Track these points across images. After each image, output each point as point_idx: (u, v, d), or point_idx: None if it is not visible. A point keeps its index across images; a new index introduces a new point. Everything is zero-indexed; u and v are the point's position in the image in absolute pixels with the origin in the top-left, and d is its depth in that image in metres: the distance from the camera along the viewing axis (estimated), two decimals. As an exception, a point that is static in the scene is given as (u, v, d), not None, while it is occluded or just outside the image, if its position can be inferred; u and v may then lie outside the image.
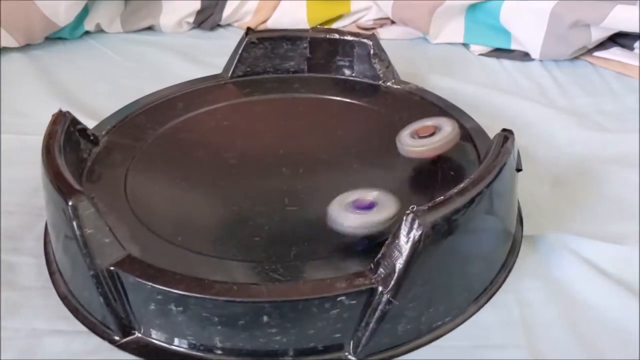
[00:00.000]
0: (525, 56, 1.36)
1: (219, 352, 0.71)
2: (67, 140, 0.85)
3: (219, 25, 1.53)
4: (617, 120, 1.14)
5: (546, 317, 0.77)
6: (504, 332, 0.76)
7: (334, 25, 1.48)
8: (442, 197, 0.70)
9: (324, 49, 1.12)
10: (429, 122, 0.90)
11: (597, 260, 0.83)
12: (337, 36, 1.11)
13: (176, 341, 0.72)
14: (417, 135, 0.88)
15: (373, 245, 0.75)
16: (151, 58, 1.39)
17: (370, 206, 0.77)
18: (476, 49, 1.40)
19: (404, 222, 0.68)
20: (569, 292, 0.80)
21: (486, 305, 0.79)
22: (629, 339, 0.74)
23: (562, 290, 0.81)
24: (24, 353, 0.74)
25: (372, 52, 1.09)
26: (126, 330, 0.74)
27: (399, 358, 0.73)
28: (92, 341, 0.75)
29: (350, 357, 0.72)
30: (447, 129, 0.88)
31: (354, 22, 1.49)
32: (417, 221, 0.67)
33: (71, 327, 0.77)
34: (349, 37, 1.11)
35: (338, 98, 1.06)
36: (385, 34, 1.47)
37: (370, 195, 0.78)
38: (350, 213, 0.76)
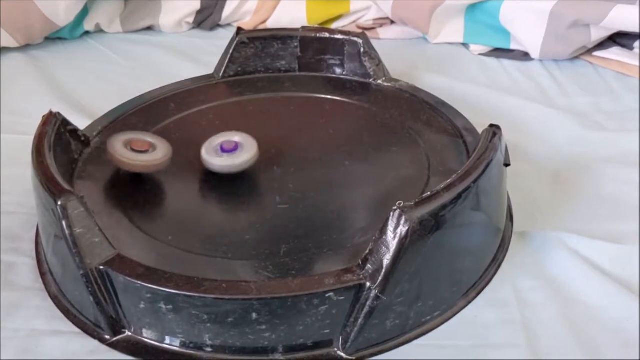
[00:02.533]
0: (524, 56, 1.36)
1: (209, 349, 0.71)
2: (57, 141, 0.86)
3: (218, 25, 1.53)
4: (616, 119, 1.14)
5: (546, 317, 0.77)
6: (503, 331, 0.76)
7: (334, 25, 1.48)
8: (428, 193, 0.71)
9: (314, 47, 1.12)
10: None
11: (597, 260, 0.83)
12: (327, 35, 1.11)
13: (166, 339, 0.73)
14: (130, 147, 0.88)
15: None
16: (151, 58, 1.39)
17: (235, 148, 0.89)
18: (476, 48, 1.40)
19: (391, 218, 0.68)
20: (568, 291, 0.80)
21: (486, 305, 0.79)
22: (628, 338, 0.74)
23: (562, 289, 0.80)
24: (24, 353, 0.74)
25: (362, 50, 1.09)
26: (116, 329, 0.74)
27: (394, 353, 0.73)
28: (91, 342, 0.75)
29: (339, 352, 0.72)
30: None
31: (353, 22, 1.49)
32: (404, 217, 0.67)
33: (70, 327, 0.77)
34: (339, 36, 1.11)
35: (329, 96, 1.07)
36: (384, 34, 1.47)
37: (235, 137, 0.91)
38: (218, 156, 0.89)
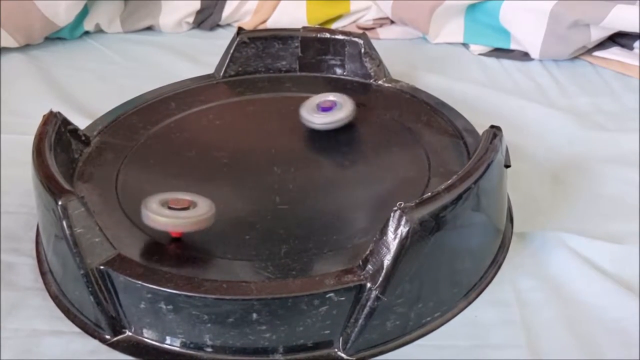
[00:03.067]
0: (524, 56, 1.36)
1: (209, 349, 0.71)
2: (57, 141, 0.86)
3: (218, 25, 1.53)
4: (616, 119, 1.14)
5: (546, 317, 0.77)
6: (504, 331, 0.76)
7: (334, 25, 1.48)
8: (429, 194, 0.71)
9: (315, 48, 1.12)
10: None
11: (597, 260, 0.83)
12: (328, 35, 1.11)
13: (167, 339, 0.72)
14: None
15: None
16: (151, 58, 1.39)
17: (332, 106, 0.97)
18: (476, 48, 1.40)
19: (391, 219, 0.68)
20: (568, 291, 0.80)
21: (486, 305, 0.79)
22: (628, 338, 0.74)
23: (562, 289, 0.81)
24: (24, 353, 0.74)
25: (363, 50, 1.09)
26: (117, 329, 0.74)
27: (395, 354, 0.73)
28: (92, 342, 0.75)
29: (339, 353, 0.72)
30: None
31: (353, 22, 1.49)
32: (404, 218, 0.67)
33: (70, 327, 0.77)
34: (339, 36, 1.11)
35: (330, 97, 1.06)
36: (384, 34, 1.47)
37: (331, 97, 0.98)
38: (318, 114, 0.97)
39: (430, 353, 0.73)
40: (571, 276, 0.82)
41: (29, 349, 0.74)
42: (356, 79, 1.11)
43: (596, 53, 1.33)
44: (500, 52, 1.39)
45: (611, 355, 0.73)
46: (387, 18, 1.47)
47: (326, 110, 0.97)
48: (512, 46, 1.37)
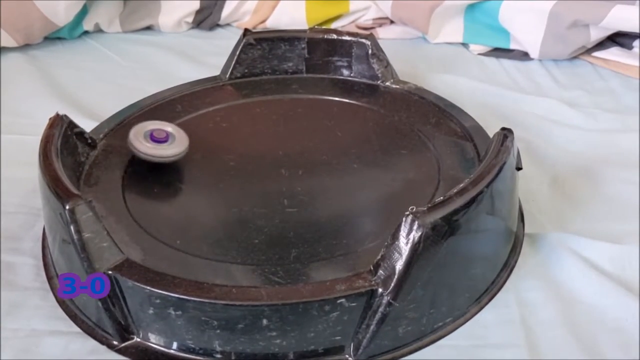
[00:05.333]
0: (524, 56, 1.36)
1: (219, 356, 0.71)
2: (64, 144, 0.85)
3: (217, 25, 1.53)
4: (616, 119, 1.14)
5: (546, 317, 0.77)
6: (504, 331, 0.76)
7: (333, 25, 1.48)
8: (441, 198, 0.70)
9: (322, 49, 1.11)
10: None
11: (596, 260, 0.83)
12: (335, 36, 1.11)
13: (175, 345, 0.72)
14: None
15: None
16: (150, 58, 1.39)
17: (165, 139, 0.90)
18: (475, 48, 1.40)
19: (403, 223, 0.68)
20: (568, 291, 0.80)
21: (486, 305, 0.78)
22: (628, 338, 0.74)
23: (562, 289, 0.80)
24: (23, 353, 0.73)
25: (370, 52, 1.09)
26: (125, 334, 0.73)
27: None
28: (91, 342, 0.75)
29: (350, 359, 0.71)
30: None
31: (353, 21, 1.49)
32: (416, 222, 0.67)
33: (70, 328, 0.77)
34: (347, 38, 1.10)
35: (337, 98, 1.06)
36: (384, 34, 1.47)
37: (167, 128, 0.92)
38: (147, 142, 0.89)
39: (430, 353, 0.73)
40: (571, 276, 0.82)
41: (29, 349, 0.74)
42: (363, 80, 1.10)
43: (596, 53, 1.34)
44: (499, 52, 1.39)
45: (611, 356, 0.73)
46: (387, 18, 1.48)
47: (158, 142, 0.91)
48: (512, 46, 1.37)
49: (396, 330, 0.71)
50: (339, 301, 0.68)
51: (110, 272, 0.70)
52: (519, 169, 0.82)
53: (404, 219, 0.68)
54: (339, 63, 1.11)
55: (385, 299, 0.68)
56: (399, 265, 0.68)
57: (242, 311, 0.68)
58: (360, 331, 0.70)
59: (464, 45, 1.43)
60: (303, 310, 0.68)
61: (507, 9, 1.33)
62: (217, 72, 1.14)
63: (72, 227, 0.71)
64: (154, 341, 0.73)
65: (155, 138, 0.89)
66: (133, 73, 1.33)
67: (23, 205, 0.94)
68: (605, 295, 0.79)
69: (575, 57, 1.35)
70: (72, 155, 0.88)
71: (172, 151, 0.89)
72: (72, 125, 0.88)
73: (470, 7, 1.38)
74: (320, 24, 1.48)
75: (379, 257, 0.70)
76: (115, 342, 0.74)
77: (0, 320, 0.77)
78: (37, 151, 0.82)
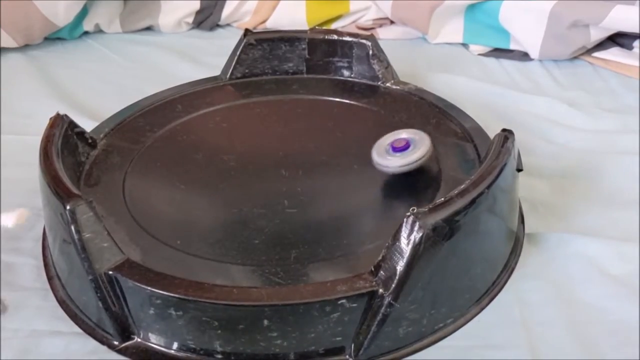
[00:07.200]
0: (524, 56, 1.36)
1: (219, 356, 0.71)
2: (64, 144, 0.85)
3: (218, 26, 1.53)
4: (616, 119, 1.14)
5: (546, 317, 0.77)
6: (504, 331, 0.76)
7: (333, 26, 1.48)
8: (442, 199, 0.70)
9: (322, 50, 1.11)
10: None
11: (597, 260, 0.83)
12: (335, 37, 1.10)
13: (176, 346, 0.72)
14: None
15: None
16: (150, 58, 1.39)
17: (406, 146, 0.86)
18: (475, 48, 1.40)
19: (404, 224, 0.68)
20: (569, 291, 0.80)
21: (486, 305, 0.79)
22: (629, 339, 0.74)
23: (562, 290, 0.80)
24: (23, 353, 0.74)
25: (371, 52, 1.09)
26: (125, 334, 0.73)
27: (400, 360, 0.73)
28: (91, 342, 0.75)
29: (351, 360, 0.71)
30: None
31: (353, 22, 1.49)
32: (417, 223, 0.67)
33: (70, 328, 0.77)
34: (347, 38, 1.10)
35: (337, 99, 1.06)
36: (384, 34, 1.46)
37: (404, 134, 0.88)
38: (391, 156, 0.85)
39: (430, 353, 0.73)
40: (572, 276, 0.82)
41: (29, 349, 0.74)
42: (364, 81, 1.10)
43: (596, 53, 1.34)
44: (499, 52, 1.39)
45: (611, 356, 0.73)
46: (387, 18, 1.47)
47: (399, 151, 0.87)
48: (512, 46, 1.37)
49: (397, 331, 0.71)
50: (339, 302, 0.68)
51: (110, 272, 0.70)
52: (519, 170, 0.82)
53: (404, 220, 0.68)
54: (340, 64, 1.11)
55: (386, 300, 0.68)
56: (400, 266, 0.68)
57: (242, 312, 0.68)
58: (360, 332, 0.70)
59: (464, 45, 1.43)
60: (304, 310, 0.68)
61: (507, 9, 1.33)
62: (217, 72, 1.13)
63: (72, 227, 0.71)
64: (155, 341, 0.73)
65: (397, 148, 0.87)
66: (133, 73, 1.33)
67: (23, 205, 0.94)
68: (605, 296, 0.79)
69: (575, 58, 1.35)
70: (72, 155, 0.88)
71: (418, 154, 0.86)
72: (72, 125, 0.89)
73: (471, 8, 1.38)
74: (321, 25, 1.47)
75: (379, 258, 0.69)
76: (115, 342, 0.74)
77: (1, 320, 0.77)
78: (37, 151, 0.82)
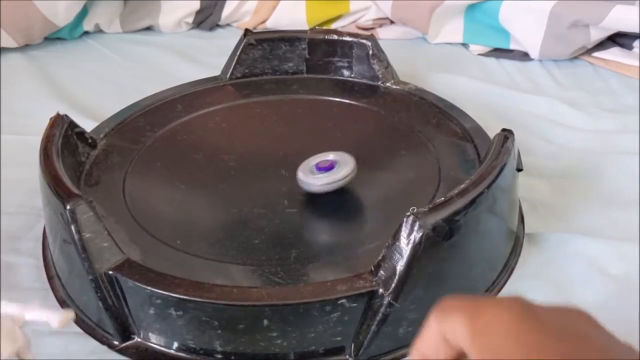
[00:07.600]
0: (524, 56, 1.36)
1: (219, 356, 0.71)
2: (65, 144, 0.85)
3: (218, 26, 1.53)
4: (616, 119, 1.14)
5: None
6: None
7: (333, 26, 1.48)
8: (442, 199, 0.70)
9: (322, 50, 1.11)
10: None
11: (597, 260, 0.83)
12: (335, 37, 1.10)
13: (176, 345, 0.72)
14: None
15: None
16: (150, 58, 1.39)
17: (331, 166, 0.84)
18: (475, 48, 1.40)
19: (404, 224, 0.68)
20: (568, 291, 0.80)
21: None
22: (629, 339, 0.74)
23: (562, 290, 0.80)
24: (23, 353, 0.73)
25: (371, 52, 1.08)
26: (125, 334, 0.74)
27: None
28: (91, 342, 0.75)
29: (351, 360, 0.71)
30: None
31: (353, 22, 1.49)
32: (417, 223, 0.67)
33: (70, 328, 0.76)
34: (347, 38, 1.10)
35: (337, 99, 1.06)
36: (384, 34, 1.46)
37: (329, 156, 0.86)
38: (316, 175, 0.84)
39: (431, 353, 0.73)
40: (571, 276, 0.82)
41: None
42: (364, 81, 1.10)
43: (596, 53, 1.34)
44: (499, 52, 1.39)
45: (612, 356, 0.72)
46: (387, 18, 1.47)
47: (324, 170, 0.86)
48: (512, 46, 1.37)
49: (397, 330, 0.71)
50: (339, 302, 0.68)
51: (110, 272, 0.70)
52: (519, 170, 0.82)
53: (404, 219, 0.68)
54: (340, 64, 1.11)
55: (386, 300, 0.68)
56: (400, 266, 0.68)
57: (243, 311, 0.68)
58: (361, 332, 0.70)
59: (464, 45, 1.42)
60: (304, 310, 0.68)
61: (507, 9, 1.32)
62: (217, 72, 1.13)
63: (72, 227, 0.71)
64: (155, 341, 0.73)
65: (322, 167, 0.86)
66: (133, 73, 1.33)
67: (23, 205, 0.94)
68: (606, 296, 0.79)
69: (575, 57, 1.34)
70: (72, 155, 0.88)
71: (341, 174, 0.84)
72: (72, 125, 0.89)
73: (471, 7, 1.37)
74: (321, 25, 1.47)
75: (379, 257, 0.70)
76: (115, 342, 0.74)
77: (1, 320, 0.77)
78: (37, 151, 0.82)
